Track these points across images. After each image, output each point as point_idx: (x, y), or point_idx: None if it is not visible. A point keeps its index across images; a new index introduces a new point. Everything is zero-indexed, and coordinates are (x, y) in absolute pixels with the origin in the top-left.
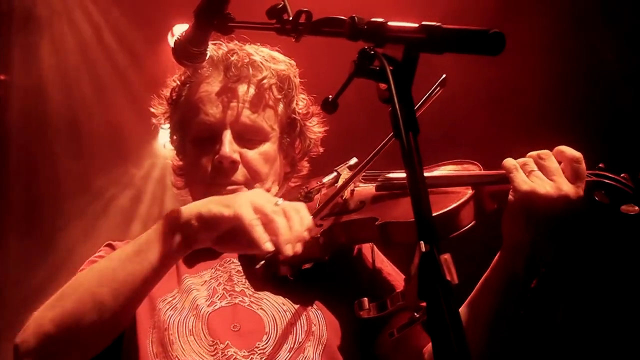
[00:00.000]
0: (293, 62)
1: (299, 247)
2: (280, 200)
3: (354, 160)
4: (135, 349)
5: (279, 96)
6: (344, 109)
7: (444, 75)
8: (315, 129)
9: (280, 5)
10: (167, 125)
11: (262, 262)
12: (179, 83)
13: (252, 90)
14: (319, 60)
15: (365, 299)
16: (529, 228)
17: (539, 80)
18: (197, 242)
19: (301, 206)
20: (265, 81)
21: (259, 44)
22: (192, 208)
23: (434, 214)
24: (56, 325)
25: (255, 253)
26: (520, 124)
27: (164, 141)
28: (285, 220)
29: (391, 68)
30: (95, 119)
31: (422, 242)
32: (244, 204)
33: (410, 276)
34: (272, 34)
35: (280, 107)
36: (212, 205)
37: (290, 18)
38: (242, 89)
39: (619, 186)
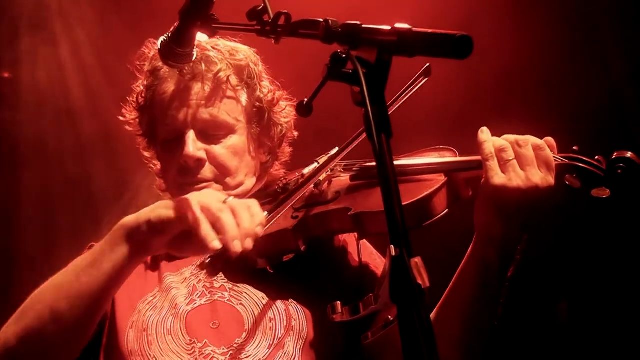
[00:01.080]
0: (253, 51)
1: (248, 244)
2: (231, 198)
3: (335, 150)
4: (113, 349)
5: (239, 87)
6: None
7: (427, 64)
8: (285, 113)
9: (261, 7)
10: (139, 132)
11: (208, 257)
12: (142, 88)
13: (208, 86)
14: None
15: (338, 302)
16: (501, 218)
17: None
18: (150, 249)
19: (252, 202)
20: (221, 74)
21: (218, 37)
22: (142, 215)
23: (405, 203)
24: (20, 340)
25: (208, 253)
26: (501, 107)
27: None
28: (232, 218)
29: (364, 71)
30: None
31: (392, 246)
32: (191, 205)
33: (381, 280)
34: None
35: (243, 97)
36: (160, 209)
37: (270, 20)
38: (197, 86)
39: (591, 169)
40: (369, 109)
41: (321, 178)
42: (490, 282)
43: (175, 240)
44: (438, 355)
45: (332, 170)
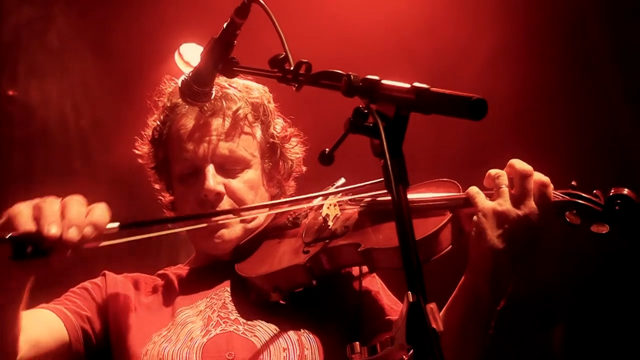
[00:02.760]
0: (266, 89)
1: (73, 233)
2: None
3: (341, 181)
4: None
5: (255, 123)
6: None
7: None
8: (295, 150)
9: (282, 56)
10: (152, 165)
11: (5, 236)
12: (159, 122)
13: (227, 122)
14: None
15: (357, 343)
16: (493, 249)
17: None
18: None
19: (98, 205)
20: (240, 112)
21: None
22: None
23: (397, 246)
24: None
25: (48, 262)
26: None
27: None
28: (57, 206)
29: (384, 124)
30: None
31: (409, 292)
32: (18, 205)
33: (398, 323)
34: None
35: (258, 133)
36: None
37: (292, 68)
38: (217, 121)
39: (590, 205)
40: (389, 161)
41: (330, 212)
42: (479, 313)
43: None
44: None
45: (339, 203)
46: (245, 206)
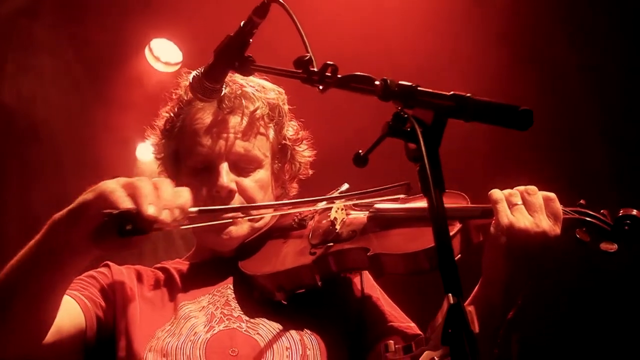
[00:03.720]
0: (282, 90)
1: (166, 215)
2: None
3: (345, 186)
4: None
5: (270, 124)
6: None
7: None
8: (305, 153)
9: (307, 57)
10: (160, 155)
11: (111, 212)
12: (172, 115)
13: (245, 121)
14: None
15: (391, 341)
16: (507, 261)
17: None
18: (71, 241)
19: (183, 189)
20: (258, 112)
21: None
22: (67, 207)
23: (424, 248)
24: None
25: (130, 244)
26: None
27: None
28: (151, 187)
29: (421, 129)
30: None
31: (450, 294)
32: (108, 182)
33: (435, 324)
34: None
35: (272, 134)
36: (81, 196)
37: (317, 70)
38: (235, 119)
39: (599, 224)
40: (428, 166)
41: (338, 216)
42: (491, 322)
43: (98, 231)
44: None
45: (346, 207)
46: (256, 204)
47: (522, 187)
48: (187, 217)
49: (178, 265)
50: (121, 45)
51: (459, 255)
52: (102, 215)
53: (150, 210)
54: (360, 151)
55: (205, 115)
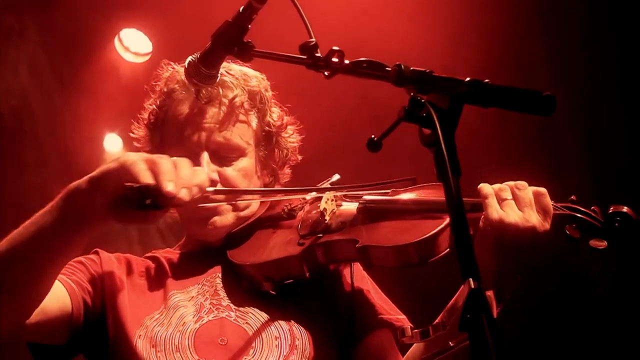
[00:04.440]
0: (264, 76)
1: (184, 193)
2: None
3: (336, 177)
4: (122, 350)
5: (252, 112)
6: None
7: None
8: (291, 138)
9: (312, 43)
10: (147, 149)
11: (132, 185)
12: (155, 107)
13: (223, 110)
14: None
15: (408, 326)
16: (496, 256)
17: None
18: (90, 210)
19: (201, 169)
20: (236, 100)
21: (229, 61)
22: (86, 176)
23: (412, 241)
24: None
25: (147, 218)
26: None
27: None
28: (171, 164)
29: (437, 115)
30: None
31: (470, 279)
32: (131, 154)
33: (452, 309)
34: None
35: (254, 121)
36: (102, 166)
37: (323, 56)
38: (213, 109)
39: (590, 220)
40: (445, 151)
41: (328, 207)
42: None
43: (117, 202)
44: None
45: (336, 198)
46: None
47: (512, 182)
48: (204, 196)
49: (168, 254)
50: (90, 35)
51: (447, 250)
52: (124, 188)
53: (169, 187)
54: (373, 136)
55: (185, 107)
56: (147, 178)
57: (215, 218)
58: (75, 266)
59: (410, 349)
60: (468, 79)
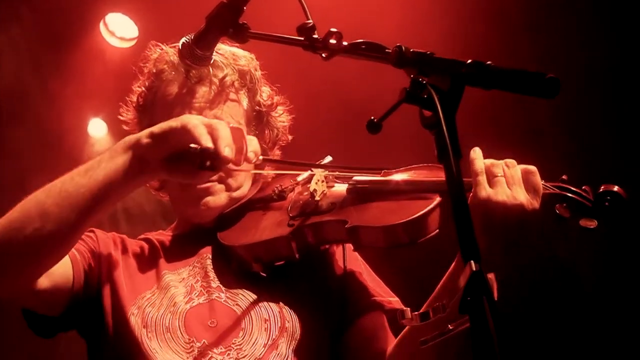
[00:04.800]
0: (253, 56)
1: (238, 157)
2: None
3: (328, 159)
4: (119, 321)
5: (242, 91)
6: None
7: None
8: (282, 118)
9: (310, 24)
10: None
11: (197, 147)
12: (144, 89)
13: (213, 89)
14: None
15: (408, 309)
16: (485, 235)
17: None
18: (148, 163)
19: (253, 138)
20: (227, 79)
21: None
22: (145, 130)
23: (402, 221)
24: (2, 231)
25: (200, 171)
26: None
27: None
28: (229, 131)
29: (438, 96)
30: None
31: (472, 261)
32: (192, 117)
33: (454, 291)
34: None
35: (244, 101)
36: (163, 123)
37: (320, 38)
38: (203, 89)
39: (580, 200)
40: (446, 133)
41: (318, 188)
42: None
43: (172, 158)
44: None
45: (326, 179)
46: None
47: (501, 161)
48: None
49: (160, 236)
50: (75, 20)
51: (437, 231)
52: (187, 147)
53: (226, 151)
54: (373, 117)
55: (174, 87)
56: (207, 142)
57: (209, 198)
58: None
59: (404, 332)
60: (470, 60)
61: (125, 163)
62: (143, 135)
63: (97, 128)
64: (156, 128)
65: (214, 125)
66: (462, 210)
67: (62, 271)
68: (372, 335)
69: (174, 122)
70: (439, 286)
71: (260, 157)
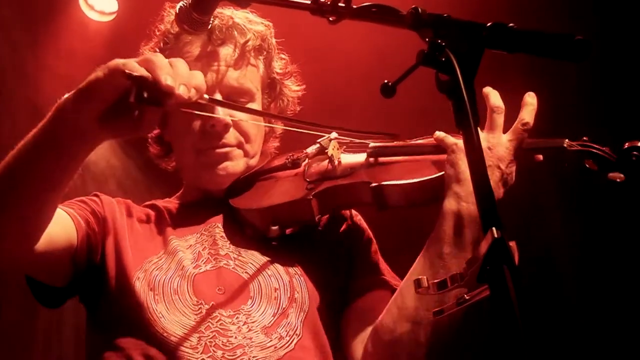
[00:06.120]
0: (270, 23)
1: (183, 90)
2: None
3: (334, 135)
4: (122, 289)
5: (260, 57)
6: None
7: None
8: (293, 87)
9: None
10: None
11: (130, 72)
12: (157, 50)
13: (237, 52)
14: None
15: (424, 277)
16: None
17: None
18: (83, 122)
19: (198, 72)
20: (249, 43)
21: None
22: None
23: (403, 182)
24: None
25: (145, 119)
26: None
27: None
28: (167, 62)
29: (456, 60)
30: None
31: (494, 228)
32: (121, 59)
33: (473, 260)
34: None
35: (262, 67)
36: (89, 77)
37: (328, 1)
38: (227, 50)
39: (605, 155)
40: (466, 97)
41: (335, 153)
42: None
43: (108, 114)
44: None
45: (339, 147)
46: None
47: (490, 100)
48: (200, 103)
49: (167, 204)
50: None
51: (429, 202)
52: (124, 76)
53: (168, 80)
54: (387, 81)
55: (194, 48)
56: (141, 70)
57: (227, 163)
58: (79, 204)
59: (400, 303)
60: (490, 23)
61: (57, 127)
62: (71, 93)
63: None
64: (82, 84)
65: (149, 58)
66: (482, 177)
67: (67, 235)
68: (376, 307)
69: (99, 71)
70: (423, 256)
71: (206, 96)
